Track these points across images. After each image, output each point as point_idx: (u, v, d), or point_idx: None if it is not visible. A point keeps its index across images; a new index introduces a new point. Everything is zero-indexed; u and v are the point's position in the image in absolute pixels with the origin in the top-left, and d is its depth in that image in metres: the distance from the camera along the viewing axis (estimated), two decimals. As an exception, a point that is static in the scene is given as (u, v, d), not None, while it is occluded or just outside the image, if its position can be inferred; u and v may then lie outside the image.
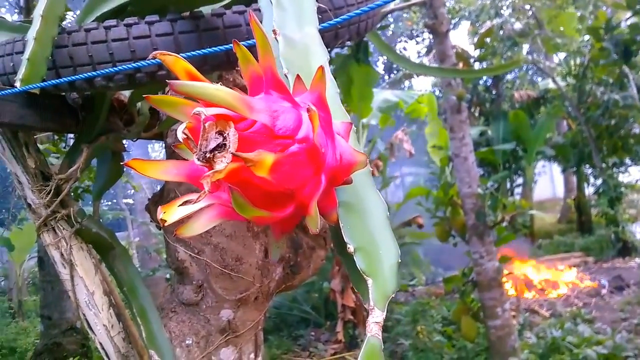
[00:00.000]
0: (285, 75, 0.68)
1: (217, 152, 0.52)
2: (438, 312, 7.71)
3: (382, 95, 7.84)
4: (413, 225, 8.96)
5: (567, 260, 10.73)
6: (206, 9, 1.22)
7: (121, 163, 1.73)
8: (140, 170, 0.57)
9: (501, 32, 10.05)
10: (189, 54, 1.12)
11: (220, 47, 1.10)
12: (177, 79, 0.58)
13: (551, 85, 11.27)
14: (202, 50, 1.12)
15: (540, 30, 9.58)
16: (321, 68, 0.57)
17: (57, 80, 1.13)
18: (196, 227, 0.59)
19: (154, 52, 0.59)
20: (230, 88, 0.54)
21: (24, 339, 8.61)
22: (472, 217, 5.64)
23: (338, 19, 0.93)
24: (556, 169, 15.10)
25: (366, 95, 7.40)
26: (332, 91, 0.71)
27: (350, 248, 0.64)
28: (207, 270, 1.66)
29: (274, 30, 0.74)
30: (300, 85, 0.62)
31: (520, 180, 13.22)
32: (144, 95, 0.63)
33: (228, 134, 0.52)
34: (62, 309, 7.28)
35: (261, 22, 0.84)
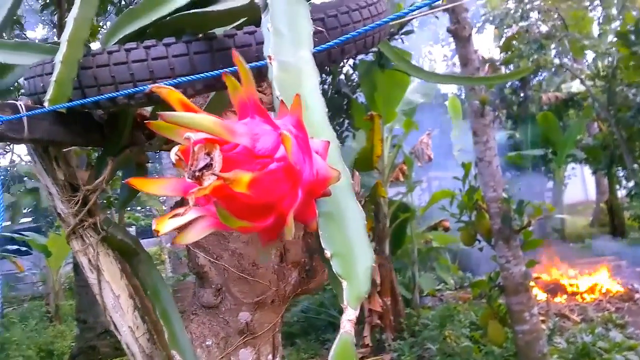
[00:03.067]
0: (278, 98, 0.75)
1: (205, 170, 0.60)
2: (466, 316, 7.66)
3: (405, 98, 7.86)
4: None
5: (599, 264, 10.51)
6: (219, 31, 1.31)
7: (142, 176, 1.84)
8: (140, 188, 0.65)
9: (527, 35, 9.96)
10: (204, 75, 1.22)
11: (233, 68, 1.18)
12: (173, 108, 0.66)
13: (579, 87, 11.09)
14: (215, 72, 1.21)
15: (567, 32, 9.47)
16: (297, 95, 0.65)
17: (82, 101, 1.23)
18: (190, 236, 0.67)
19: (150, 86, 0.68)
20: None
21: (61, 342, 8.90)
22: (498, 221, 5.61)
23: (338, 40, 1.00)
24: (587, 171, 14.81)
25: (391, 100, 7.43)
26: (320, 112, 0.78)
27: (327, 254, 0.71)
28: (226, 275, 1.75)
29: (269, 57, 0.82)
30: (284, 109, 0.70)
31: (550, 184, 13.03)
32: (144, 122, 0.71)
33: (214, 155, 0.60)
34: (97, 312, 7.50)
35: (263, 45, 0.91)
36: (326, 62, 1.39)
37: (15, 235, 11.29)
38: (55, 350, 8.55)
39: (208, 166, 0.60)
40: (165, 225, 0.65)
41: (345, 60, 8.01)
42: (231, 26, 1.36)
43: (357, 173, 2.16)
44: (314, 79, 0.82)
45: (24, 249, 12.45)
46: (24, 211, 13.22)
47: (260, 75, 1.30)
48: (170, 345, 1.64)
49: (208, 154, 0.61)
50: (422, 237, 9.03)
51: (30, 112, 1.30)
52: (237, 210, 0.62)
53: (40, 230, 12.98)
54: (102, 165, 1.58)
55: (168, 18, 1.30)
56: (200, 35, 1.28)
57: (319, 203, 0.71)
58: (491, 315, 6.03)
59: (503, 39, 10.57)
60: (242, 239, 1.75)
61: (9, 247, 12.16)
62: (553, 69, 12.22)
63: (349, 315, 0.66)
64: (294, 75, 0.80)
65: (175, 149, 0.65)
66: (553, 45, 11.15)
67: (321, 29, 1.17)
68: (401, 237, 8.17)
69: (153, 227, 0.65)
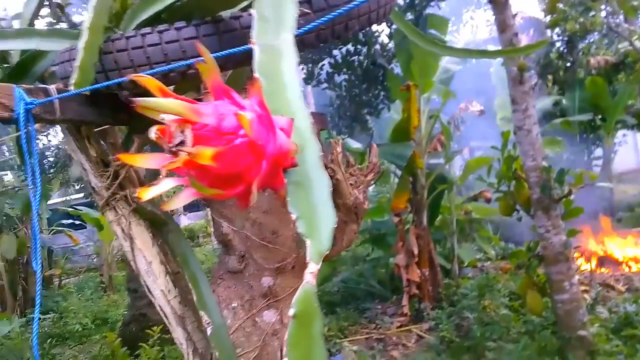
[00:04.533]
0: (258, 78, 0.83)
1: (180, 146, 0.70)
2: (506, 286, 7.63)
3: (441, 67, 7.74)
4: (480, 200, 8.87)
5: (649, 233, 10.17)
6: (225, 13, 1.39)
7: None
8: (128, 162, 0.76)
9: (573, -4, 9.55)
10: (213, 55, 1.31)
11: (240, 48, 1.27)
12: (151, 95, 0.76)
13: (630, 49, 10.56)
14: (224, 52, 1.29)
15: (616, -9, 9.01)
16: (257, 79, 0.73)
17: (104, 84, 1.34)
18: (175, 203, 0.77)
19: (129, 75, 0.77)
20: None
21: (115, 310, 9.42)
22: (537, 191, 5.54)
23: (327, 17, 1.06)
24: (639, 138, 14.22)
25: (428, 70, 7.33)
26: (295, 89, 0.86)
27: (293, 216, 0.80)
28: (248, 243, 1.87)
29: (251, 41, 0.89)
30: (255, 89, 0.78)
31: (599, 152, 12.60)
32: (130, 104, 0.81)
33: (186, 133, 0.69)
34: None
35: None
36: (325, 39, 1.45)
37: (70, 210, 11.90)
38: (109, 318, 9.08)
39: (182, 143, 0.70)
40: (147, 193, 0.75)
41: (380, 30, 7.92)
42: (237, 8, 1.44)
43: (374, 145, 2.22)
44: (292, 60, 0.89)
45: (78, 222, 13.13)
46: (77, 187, 13.88)
47: (249, 59, 1.39)
48: (199, 307, 1.78)
49: (182, 132, 0.70)
50: (461, 208, 8.97)
51: (58, 96, 1.43)
52: (210, 180, 0.72)
53: (93, 205, 13.62)
54: (130, 143, 1.70)
55: (179, 3, 1.39)
56: (208, 18, 1.36)
57: (289, 173, 0.80)
58: (530, 284, 5.99)
59: (547, 1, 10.14)
60: (262, 209, 1.86)
61: (64, 221, 12.83)
62: (603, 31, 11.68)
63: (311, 269, 0.75)
64: (274, 57, 0.87)
65: (154, 128, 0.75)
66: (603, 7, 10.64)
67: (308, 10, 1.23)
68: (439, 208, 8.16)
69: (135, 195, 0.76)
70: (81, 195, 14.99)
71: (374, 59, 7.56)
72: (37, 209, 1.42)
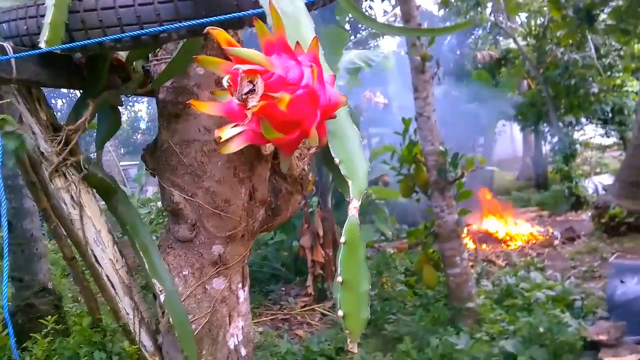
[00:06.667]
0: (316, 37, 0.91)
1: (249, 95, 0.77)
2: (401, 264, 8.15)
3: (348, 57, 7.97)
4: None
5: (523, 214, 11.33)
6: (202, -20, 1.41)
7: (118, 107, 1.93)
8: (198, 108, 0.81)
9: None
10: (203, 21, 1.34)
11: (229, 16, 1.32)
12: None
13: (512, 45, 11.61)
14: (218, 17, 1.32)
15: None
16: (315, 38, 0.82)
17: (83, 42, 1.31)
18: (232, 146, 0.84)
19: (207, 28, 0.82)
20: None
21: (-2, 300, 8.66)
22: (434, 173, 5.97)
23: None
24: (516, 128, 15.68)
25: (332, 56, 7.53)
26: (320, 53, 0.95)
27: (337, 161, 0.90)
28: (200, 211, 1.89)
29: (270, 4, 0.96)
30: (299, 49, 0.86)
31: (482, 140, 13.71)
32: (193, 57, 0.86)
33: (257, 82, 0.76)
34: (34, 270, 7.36)
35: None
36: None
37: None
38: (-7, 307, 8.35)
39: (251, 91, 0.76)
40: (226, 132, 0.81)
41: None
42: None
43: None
44: (310, 26, 0.98)
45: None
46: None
47: (240, 23, 1.43)
48: (151, 275, 1.78)
49: (250, 82, 0.77)
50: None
51: (27, 53, 1.37)
52: (275, 125, 0.79)
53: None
54: (82, 107, 1.66)
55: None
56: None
57: (327, 123, 0.89)
58: (426, 260, 6.47)
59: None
60: (215, 178, 1.89)
61: None
62: (488, 28, 12.70)
63: (355, 204, 0.86)
64: (293, 22, 0.95)
65: (226, 77, 0.81)
66: (490, 4, 11.55)
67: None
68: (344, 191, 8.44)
69: (216, 135, 0.81)
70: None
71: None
72: None
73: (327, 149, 0.89)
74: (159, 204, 13.80)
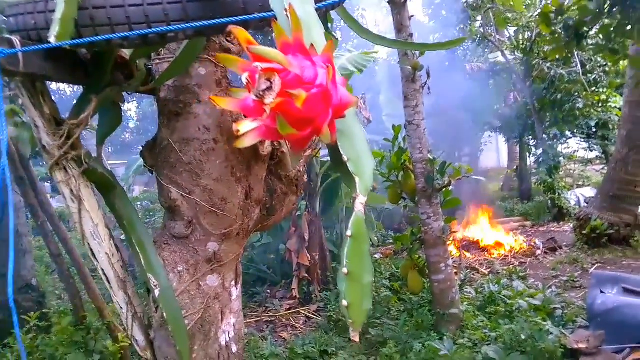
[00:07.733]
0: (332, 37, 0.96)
1: (266, 92, 0.81)
2: (387, 269, 8.22)
3: (340, 62, 8.03)
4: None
5: (507, 224, 11.47)
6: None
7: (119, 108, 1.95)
8: (217, 103, 0.85)
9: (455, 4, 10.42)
10: (211, 22, 1.38)
11: (237, 18, 1.35)
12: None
13: (500, 58, 11.78)
14: (226, 20, 1.36)
15: (493, 4, 9.99)
16: (331, 41, 0.86)
17: (93, 39, 1.34)
18: (247, 141, 0.88)
19: (229, 27, 0.86)
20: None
21: (-22, 296, 8.54)
22: (422, 181, 6.04)
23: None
24: (502, 139, 15.88)
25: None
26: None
27: (345, 158, 0.94)
28: (197, 208, 1.93)
29: (285, 9, 1.01)
30: (313, 50, 0.90)
31: (467, 150, 13.85)
32: (227, 56, 0.91)
33: (274, 80, 0.81)
34: (18, 267, 7.28)
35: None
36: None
37: None
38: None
39: (268, 89, 0.81)
40: (244, 126, 0.85)
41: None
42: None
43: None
44: (320, 30, 1.03)
45: None
46: None
47: (246, 26, 1.47)
48: (147, 270, 1.81)
49: (267, 79, 0.81)
50: (350, 196, 9.42)
51: (36, 47, 1.39)
52: (290, 121, 0.83)
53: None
54: (85, 102, 1.68)
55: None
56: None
57: (337, 123, 0.94)
58: (411, 266, 6.53)
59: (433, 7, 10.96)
60: (213, 177, 1.92)
61: None
62: (477, 40, 12.87)
63: (361, 200, 0.90)
64: (304, 25, 1.00)
65: (245, 74, 0.85)
66: (479, 17, 11.72)
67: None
68: (332, 196, 8.50)
69: (235, 128, 0.85)
70: None
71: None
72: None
73: (335, 146, 0.94)
74: (145, 203, 13.76)
